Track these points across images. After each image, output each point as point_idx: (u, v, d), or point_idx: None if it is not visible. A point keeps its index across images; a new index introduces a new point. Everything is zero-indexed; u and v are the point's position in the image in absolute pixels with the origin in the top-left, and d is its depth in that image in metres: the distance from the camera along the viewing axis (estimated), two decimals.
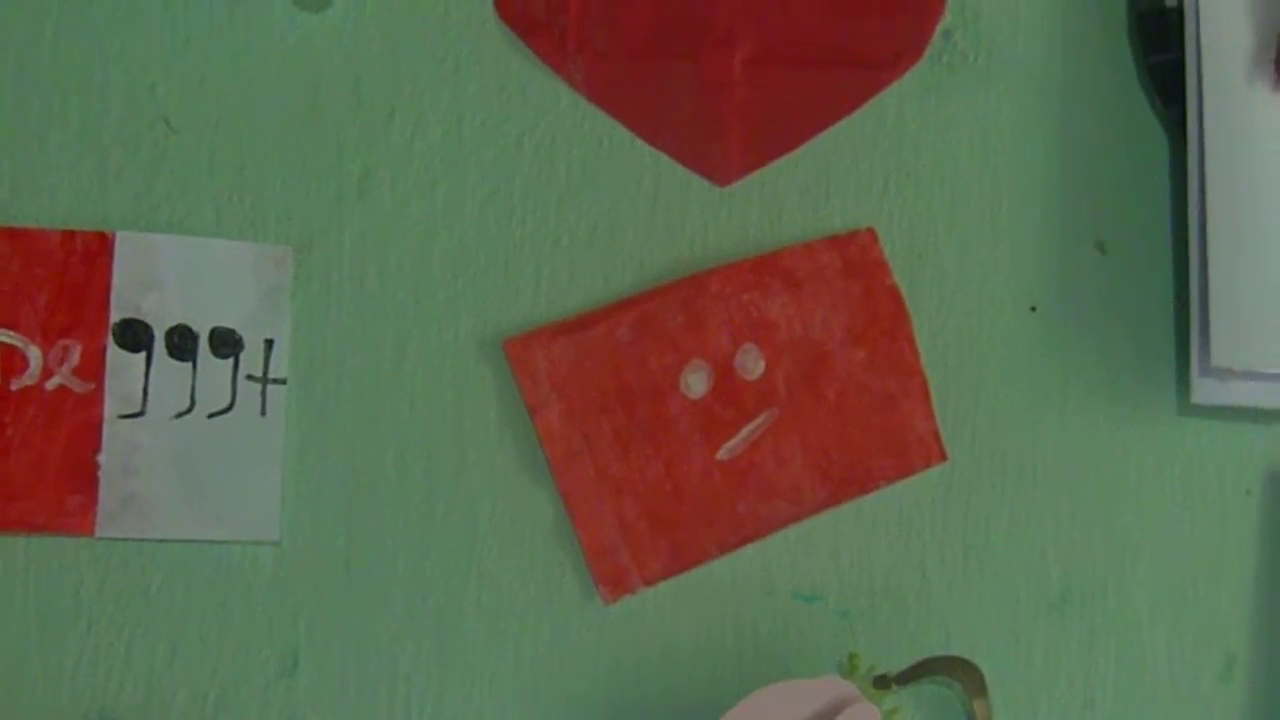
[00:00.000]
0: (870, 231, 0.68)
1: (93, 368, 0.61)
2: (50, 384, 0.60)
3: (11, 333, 0.60)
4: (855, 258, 0.67)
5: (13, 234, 0.61)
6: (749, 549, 0.65)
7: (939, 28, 0.70)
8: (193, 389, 0.61)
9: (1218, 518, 0.71)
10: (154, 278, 0.62)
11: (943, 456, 0.67)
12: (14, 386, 0.60)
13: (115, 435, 0.60)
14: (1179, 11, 0.71)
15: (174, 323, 0.61)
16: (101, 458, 0.60)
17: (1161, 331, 0.71)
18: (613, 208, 0.66)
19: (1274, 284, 0.68)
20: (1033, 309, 0.70)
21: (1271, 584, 0.71)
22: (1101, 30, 0.71)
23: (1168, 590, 0.70)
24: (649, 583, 0.64)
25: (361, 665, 0.62)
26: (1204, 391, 0.69)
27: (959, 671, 0.66)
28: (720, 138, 0.67)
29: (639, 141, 0.67)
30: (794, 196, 0.68)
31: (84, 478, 0.60)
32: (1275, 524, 0.71)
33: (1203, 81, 0.69)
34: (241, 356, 0.62)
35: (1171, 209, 0.71)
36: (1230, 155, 0.69)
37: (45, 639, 0.60)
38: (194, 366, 0.61)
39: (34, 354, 0.60)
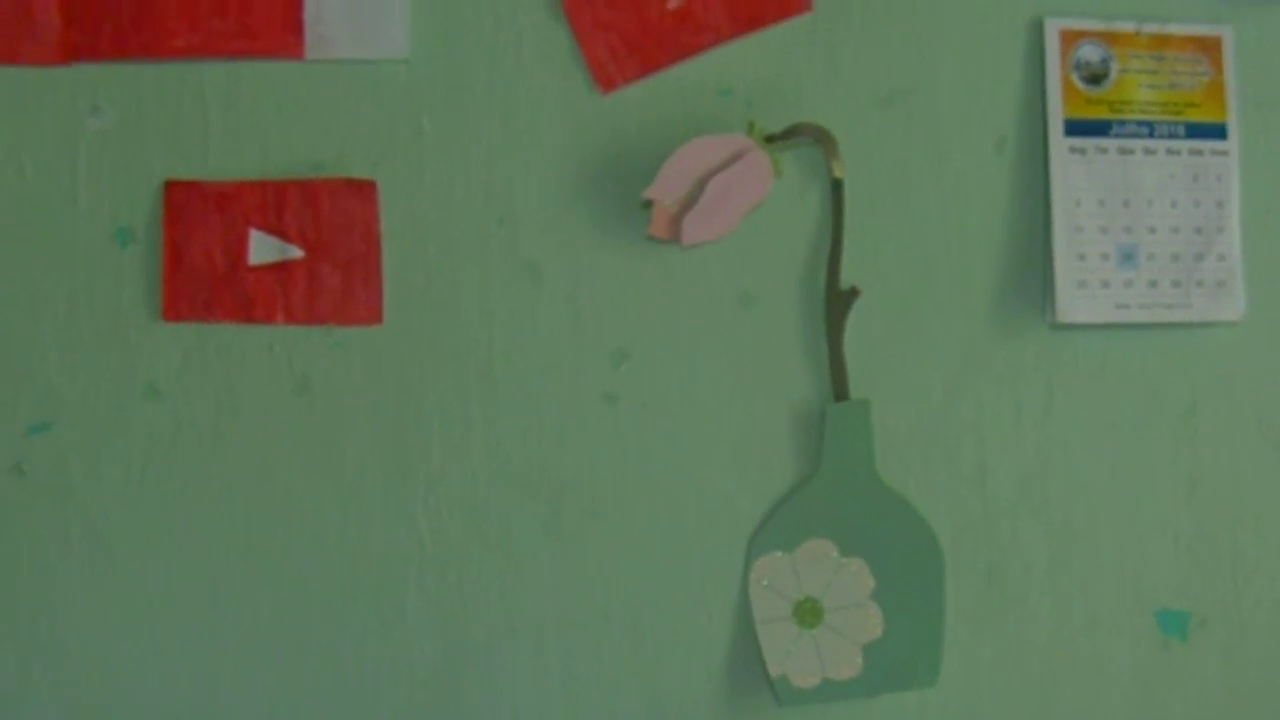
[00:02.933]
0: None
1: None
2: None
3: None
4: None
5: None
6: (692, 65, 1.05)
7: None
8: None
9: (992, 54, 1.09)
10: None
11: (809, 7, 1.07)
12: None
13: None
14: None
15: None
16: (304, 13, 1.03)
17: None
18: None
19: None
20: None
21: (1029, 80, 1.10)
22: None
23: (962, 92, 1.08)
24: (628, 81, 1.05)
25: (464, 136, 1.06)
26: None
27: (821, 134, 1.06)
28: None
29: None
30: None
31: (294, 24, 1.03)
32: (1034, 57, 1.10)
33: None
34: None
35: None
36: None
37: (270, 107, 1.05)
38: None
39: None
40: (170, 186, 1.02)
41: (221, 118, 1.03)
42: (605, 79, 1.05)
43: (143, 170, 1.03)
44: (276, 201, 1.03)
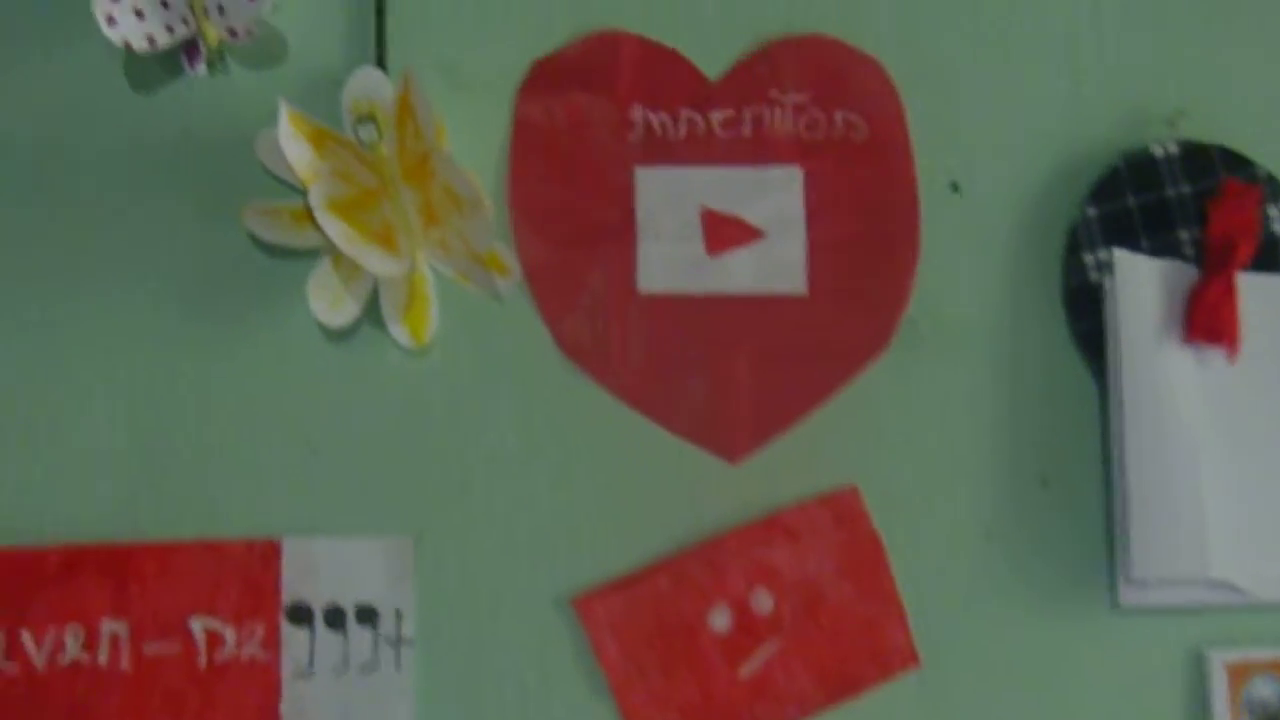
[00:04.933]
0: (853, 489, 0.86)
1: (272, 640, 0.83)
2: (244, 654, 0.82)
3: (214, 619, 0.83)
4: (842, 511, 0.86)
5: (208, 546, 0.83)
6: None
7: (903, 316, 0.88)
8: (345, 652, 0.83)
9: (1147, 692, 0.89)
10: (312, 569, 0.83)
11: (915, 661, 0.86)
12: (217, 661, 0.82)
13: (292, 691, 0.82)
14: (1102, 286, 0.88)
15: (327, 602, 0.83)
16: (283, 708, 0.82)
17: (1096, 550, 0.88)
18: (650, 487, 0.86)
19: (1182, 510, 0.86)
20: (986, 537, 0.88)
21: None
22: (1038, 305, 0.89)
23: None
24: None
25: None
26: (1129, 595, 0.87)
27: None
28: (731, 424, 0.87)
29: (669, 434, 0.87)
30: (790, 465, 0.87)
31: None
32: (1196, 697, 0.89)
33: (1122, 343, 0.87)
34: (379, 624, 0.83)
35: (1101, 449, 0.88)
36: (1145, 402, 0.86)
37: None
38: (345, 634, 0.83)
39: (229, 633, 0.82)
40: None
41: None
42: None
43: None
44: None
